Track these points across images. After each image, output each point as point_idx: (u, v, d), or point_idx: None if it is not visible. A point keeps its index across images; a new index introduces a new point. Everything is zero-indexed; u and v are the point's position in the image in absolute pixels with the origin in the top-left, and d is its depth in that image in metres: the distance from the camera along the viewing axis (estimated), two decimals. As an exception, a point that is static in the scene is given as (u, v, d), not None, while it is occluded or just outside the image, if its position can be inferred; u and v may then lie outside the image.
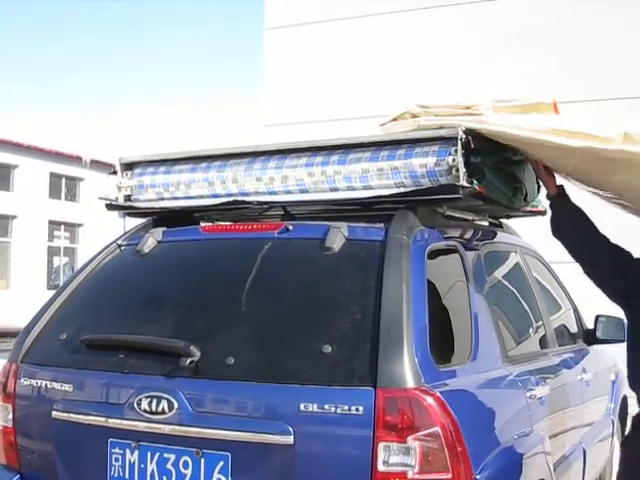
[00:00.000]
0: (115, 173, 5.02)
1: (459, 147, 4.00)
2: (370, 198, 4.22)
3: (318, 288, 3.84)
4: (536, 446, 4.20)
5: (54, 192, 34.45)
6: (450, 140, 4.06)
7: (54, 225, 34.70)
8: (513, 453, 3.92)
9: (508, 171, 4.33)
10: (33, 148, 33.01)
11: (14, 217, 32.69)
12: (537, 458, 4.20)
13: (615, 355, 6.84)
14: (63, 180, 34.92)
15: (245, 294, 3.85)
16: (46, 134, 35.90)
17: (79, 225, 35.52)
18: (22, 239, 32.78)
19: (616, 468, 6.71)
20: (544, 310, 5.34)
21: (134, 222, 4.83)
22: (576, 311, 6.34)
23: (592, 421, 5.81)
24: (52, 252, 35.12)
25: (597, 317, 6.18)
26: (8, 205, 32.02)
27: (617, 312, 6.05)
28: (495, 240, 5.00)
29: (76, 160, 34.76)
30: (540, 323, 5.23)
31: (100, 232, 32.44)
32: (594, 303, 6.75)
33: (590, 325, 6.26)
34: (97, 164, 34.96)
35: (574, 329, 6.19)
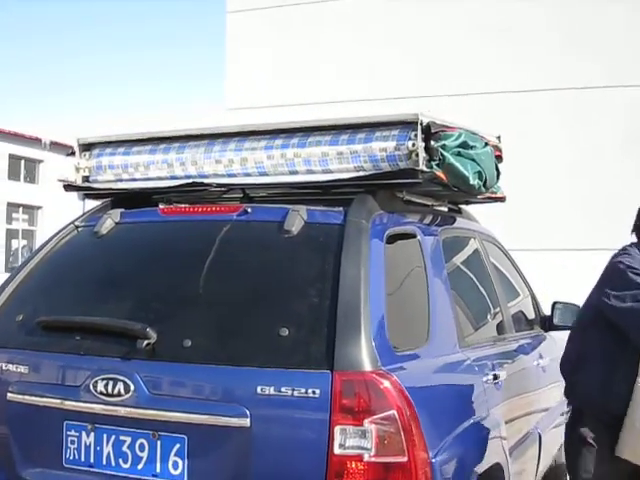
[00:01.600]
0: (73, 154, 4.96)
1: (419, 132, 4.00)
2: (329, 182, 4.22)
3: (276, 271, 3.82)
4: (492, 430, 4.22)
5: (13, 174, 34.18)
6: (410, 124, 4.06)
7: (13, 207, 34.44)
8: (469, 437, 3.94)
9: (468, 157, 4.33)
10: (-8, 130, 32.73)
11: (-28, 199, 32.42)
12: (493, 442, 4.22)
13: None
14: (22, 162, 34.65)
15: (203, 277, 3.83)
16: (4, 115, 35.59)
17: (38, 207, 35.29)
18: (-20, 221, 32.53)
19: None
20: (502, 296, 5.36)
21: (94, 205, 4.79)
22: (533, 298, 6.39)
23: (548, 407, 5.86)
24: (10, 235, 34.87)
25: (554, 304, 6.23)
26: (-34, 187, 31.75)
27: (573, 299, 6.14)
28: (454, 226, 5.01)
29: (36, 142, 34.50)
30: (498, 309, 5.26)
31: (60, 215, 32.31)
32: (550, 290, 6.83)
33: (547, 312, 6.31)
34: (57, 146, 34.74)
35: (531, 315, 6.23)
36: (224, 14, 15.22)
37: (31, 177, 35.21)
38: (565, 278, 9.79)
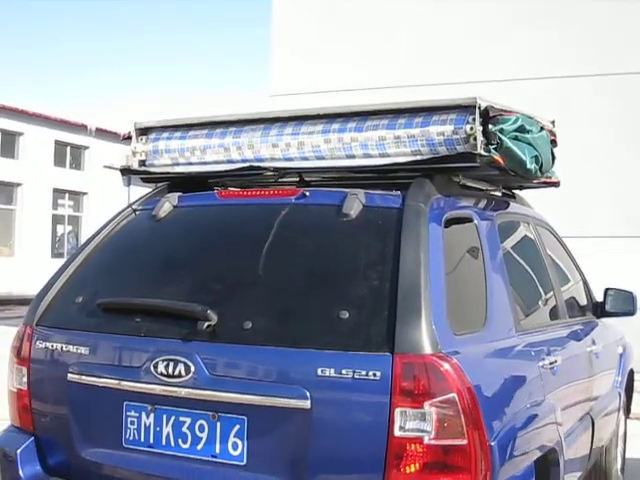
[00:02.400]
0: (129, 138, 4.99)
1: (477, 115, 4.00)
2: (387, 165, 4.22)
3: (335, 254, 3.84)
4: (548, 415, 4.22)
5: (59, 160, 34.46)
6: (468, 108, 4.06)
7: (59, 193, 34.74)
8: (526, 422, 3.94)
9: (525, 141, 4.32)
10: (38, 116, 32.99)
11: (19, 185, 32.73)
12: (549, 427, 4.22)
13: (623, 328, 6.88)
14: (68, 148, 34.92)
15: (262, 259, 3.85)
16: (51, 102, 35.90)
17: (83, 193, 35.56)
18: (27, 207, 32.85)
19: (621, 442, 6.79)
20: (555, 281, 5.35)
21: (138, 191, 4.82)
22: (586, 284, 6.35)
23: (600, 393, 5.83)
24: (56, 220, 35.18)
25: (606, 290, 6.19)
26: (13, 173, 32.06)
27: (626, 285, 6.10)
28: (508, 210, 4.99)
29: (81, 128, 34.75)
30: (551, 294, 5.24)
31: (104, 200, 32.62)
32: (603, 276, 6.80)
33: (599, 298, 6.28)
34: (102, 132, 34.98)
35: (584, 301, 6.20)
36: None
37: (77, 163, 35.46)
38: (614, 265, 9.76)
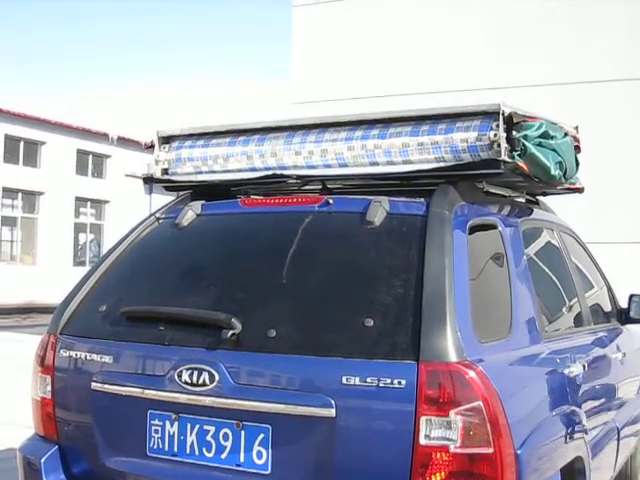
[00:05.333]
0: (151, 147, 4.99)
1: (501, 122, 3.98)
2: (411, 172, 4.21)
3: (359, 262, 3.82)
4: (574, 424, 4.19)
5: (81, 169, 34.62)
6: (492, 115, 4.04)
7: (80, 202, 34.89)
8: (552, 430, 3.92)
9: (549, 147, 4.30)
10: (60, 125, 33.16)
11: (41, 193, 32.90)
12: (575, 435, 4.19)
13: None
14: (90, 157, 35.08)
15: (286, 267, 3.84)
16: (72, 111, 36.05)
17: (105, 202, 35.69)
18: (49, 215, 33.00)
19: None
20: (580, 288, 5.32)
21: (160, 199, 4.83)
22: (610, 290, 6.32)
23: (626, 400, 5.80)
24: (78, 229, 35.33)
25: (631, 296, 6.15)
26: (35, 182, 32.24)
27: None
28: (532, 217, 4.97)
29: (103, 137, 34.91)
30: (576, 301, 5.22)
31: (126, 208, 32.76)
32: (627, 283, 6.76)
33: (624, 304, 6.24)
34: (124, 141, 35.12)
35: (608, 308, 6.17)
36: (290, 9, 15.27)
37: (98, 172, 35.59)
38: (639, 271, 9.69)
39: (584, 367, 4.60)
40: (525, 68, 12.40)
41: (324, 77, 14.36)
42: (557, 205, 5.76)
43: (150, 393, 3.80)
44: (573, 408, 4.26)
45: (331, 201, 4.07)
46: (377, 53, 14.01)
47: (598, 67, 11.96)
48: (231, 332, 3.62)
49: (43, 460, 4.07)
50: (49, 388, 4.15)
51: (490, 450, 3.32)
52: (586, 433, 4.37)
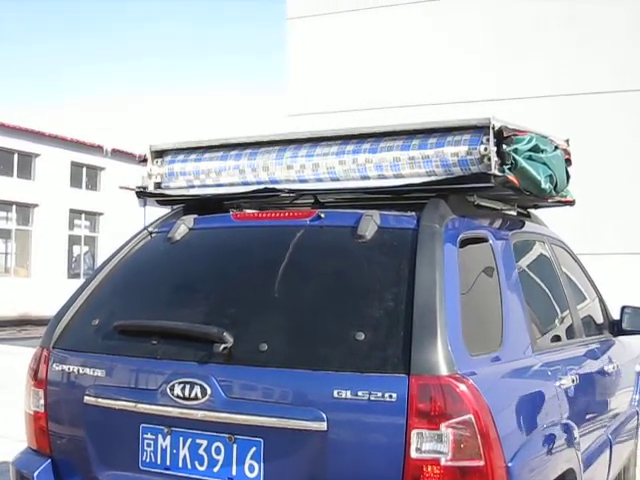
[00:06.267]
0: (145, 161, 5.01)
1: (491, 136, 4.01)
2: (402, 186, 4.23)
3: (351, 276, 3.84)
4: (565, 436, 4.20)
5: (75, 181, 34.57)
6: (482, 129, 4.07)
7: (75, 214, 34.84)
8: (543, 442, 3.92)
9: (539, 160, 4.32)
10: (54, 137, 33.13)
11: (35, 206, 32.85)
12: (566, 448, 4.20)
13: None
14: (84, 169, 35.03)
15: (278, 281, 3.85)
16: (66, 123, 36.02)
17: (100, 214, 35.65)
18: (43, 228, 32.94)
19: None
20: (571, 300, 5.33)
21: (154, 211, 4.84)
22: (602, 302, 6.33)
23: (618, 412, 5.81)
24: (73, 241, 35.28)
25: (623, 308, 6.17)
26: (29, 194, 32.19)
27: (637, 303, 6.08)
28: (524, 230, 4.99)
29: (97, 149, 34.88)
30: (568, 313, 5.23)
31: (120, 220, 32.74)
32: (619, 294, 6.78)
33: (616, 316, 6.25)
34: (118, 153, 35.09)
35: (600, 320, 6.18)
36: (284, 21, 15.30)
37: (92, 184, 35.54)
38: (631, 282, 9.72)
39: (576, 379, 4.62)
40: (521, 81, 12.44)
41: (320, 89, 14.39)
42: (549, 217, 5.78)
43: (142, 407, 3.81)
44: (565, 420, 4.27)
45: (323, 215, 4.08)
46: (373, 65, 14.05)
47: (592, 79, 12.00)
48: (223, 346, 3.63)
49: (36, 474, 4.07)
50: (42, 402, 4.15)
51: (481, 463, 3.33)
52: (578, 445, 4.38)
